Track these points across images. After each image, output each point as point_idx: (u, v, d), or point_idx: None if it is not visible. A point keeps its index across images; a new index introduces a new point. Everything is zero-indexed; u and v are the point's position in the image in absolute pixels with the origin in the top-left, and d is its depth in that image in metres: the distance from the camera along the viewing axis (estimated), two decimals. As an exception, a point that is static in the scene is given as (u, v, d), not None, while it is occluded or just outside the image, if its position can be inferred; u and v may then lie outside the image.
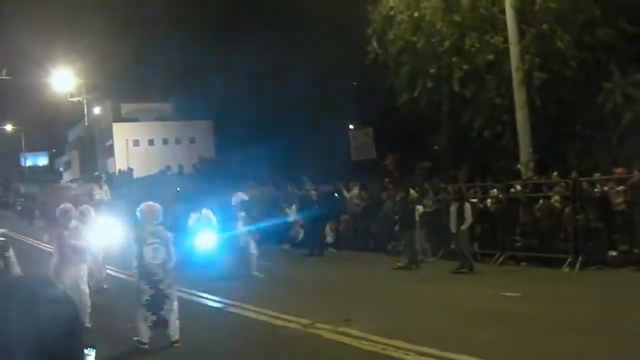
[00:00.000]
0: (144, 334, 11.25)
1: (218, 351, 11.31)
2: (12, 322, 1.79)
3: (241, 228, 20.17)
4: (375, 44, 27.71)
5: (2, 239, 11.34)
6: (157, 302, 11.23)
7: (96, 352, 2.05)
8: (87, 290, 13.02)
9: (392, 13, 27.45)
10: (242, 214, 20.37)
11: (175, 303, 11.48)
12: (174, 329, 11.38)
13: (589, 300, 13.80)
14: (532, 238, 19.77)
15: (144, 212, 11.62)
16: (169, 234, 11.71)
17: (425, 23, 26.66)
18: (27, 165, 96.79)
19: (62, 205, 13.08)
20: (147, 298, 11.21)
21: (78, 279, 12.73)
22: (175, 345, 11.31)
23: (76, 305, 1.94)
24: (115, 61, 57.62)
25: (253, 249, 19.97)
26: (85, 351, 1.99)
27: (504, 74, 24.80)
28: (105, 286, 17.31)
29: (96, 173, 37.94)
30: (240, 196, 20.85)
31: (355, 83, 38.99)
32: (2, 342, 1.79)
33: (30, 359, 1.75)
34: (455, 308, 13.72)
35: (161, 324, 11.34)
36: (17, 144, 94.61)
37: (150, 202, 12.05)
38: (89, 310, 12.55)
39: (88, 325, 12.00)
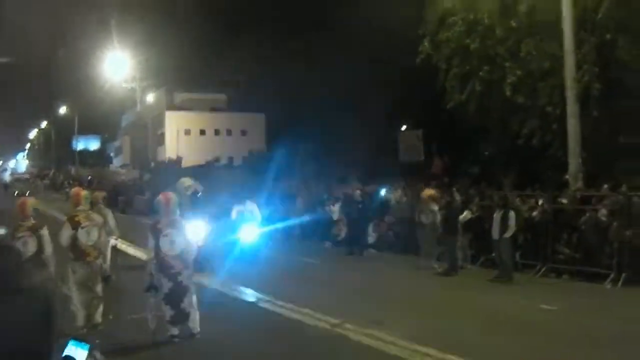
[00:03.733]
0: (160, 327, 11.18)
1: (240, 345, 11.22)
2: None
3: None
4: (427, 44, 27.38)
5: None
6: (176, 295, 11.09)
7: (91, 349, 1.90)
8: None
9: (446, 16, 27.10)
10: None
11: (194, 295, 11.35)
12: (194, 321, 11.26)
13: (627, 318, 13.39)
14: (576, 251, 19.32)
15: (161, 202, 11.39)
16: (186, 224, 11.51)
17: (481, 26, 26.29)
18: (79, 148, 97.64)
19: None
20: (166, 292, 11.08)
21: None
22: (196, 337, 11.23)
23: (50, 297, 1.81)
24: (172, 50, 58.11)
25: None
26: (76, 347, 1.84)
27: (559, 82, 24.26)
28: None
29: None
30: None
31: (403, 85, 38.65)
32: None
33: None
34: (489, 317, 13.46)
35: (181, 317, 11.21)
36: (70, 126, 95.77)
37: (168, 192, 11.86)
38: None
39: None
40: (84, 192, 12.78)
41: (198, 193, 19.26)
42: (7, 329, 1.63)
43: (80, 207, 12.33)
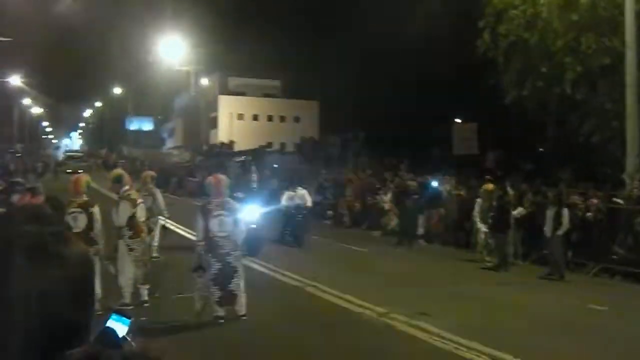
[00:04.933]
0: (215, 309, 11.19)
1: (285, 330, 11.22)
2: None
3: None
4: (486, 36, 26.85)
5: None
6: (224, 276, 11.09)
7: (132, 324, 1.79)
8: None
9: (506, 8, 26.56)
10: None
11: (242, 277, 11.34)
12: (242, 303, 11.26)
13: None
14: (631, 252, 18.90)
15: (211, 183, 11.49)
16: (237, 205, 11.59)
17: (540, 20, 25.76)
18: (132, 129, 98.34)
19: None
20: (215, 272, 11.08)
21: None
22: (242, 319, 11.21)
23: (89, 266, 1.70)
24: (228, 34, 58.27)
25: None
26: (117, 321, 1.73)
27: (619, 79, 23.68)
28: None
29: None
30: None
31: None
32: None
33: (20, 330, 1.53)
34: (536, 315, 13.21)
35: (228, 299, 11.20)
36: (124, 107, 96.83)
37: (218, 174, 11.95)
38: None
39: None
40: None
41: (250, 160, 19.30)
42: (44, 297, 1.52)
43: (127, 187, 12.55)
